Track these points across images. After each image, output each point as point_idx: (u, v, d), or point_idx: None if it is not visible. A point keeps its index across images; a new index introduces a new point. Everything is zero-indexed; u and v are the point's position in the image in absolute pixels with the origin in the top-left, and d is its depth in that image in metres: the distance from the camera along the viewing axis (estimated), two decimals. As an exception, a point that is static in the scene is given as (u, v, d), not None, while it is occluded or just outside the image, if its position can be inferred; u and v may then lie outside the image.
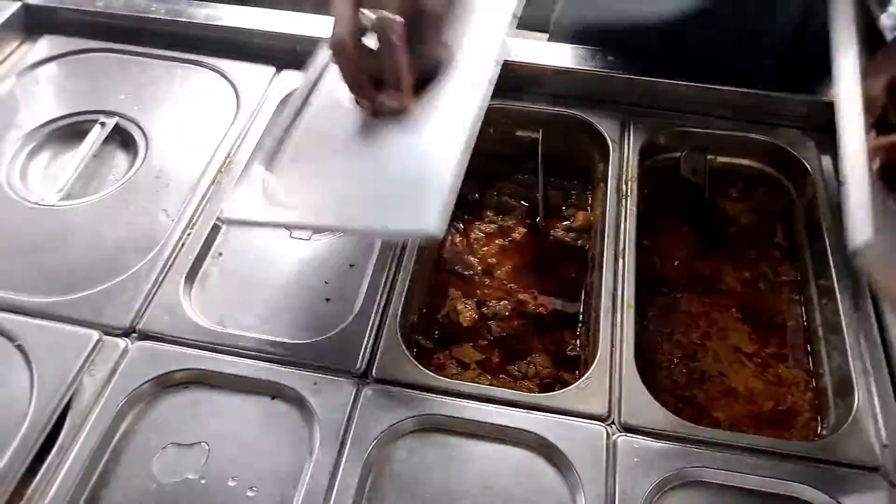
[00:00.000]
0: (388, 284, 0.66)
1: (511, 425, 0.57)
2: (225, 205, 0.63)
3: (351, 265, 0.68)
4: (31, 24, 0.91)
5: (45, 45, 0.88)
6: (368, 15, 0.54)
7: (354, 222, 0.57)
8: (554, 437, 0.56)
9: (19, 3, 0.90)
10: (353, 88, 0.59)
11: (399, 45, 0.55)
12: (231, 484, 0.54)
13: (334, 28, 0.57)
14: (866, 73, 0.58)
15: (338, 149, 0.60)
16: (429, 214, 0.51)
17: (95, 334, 0.61)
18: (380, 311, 0.64)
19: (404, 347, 0.62)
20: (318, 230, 0.69)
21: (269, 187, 0.59)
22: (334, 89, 0.63)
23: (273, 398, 0.59)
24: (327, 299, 0.66)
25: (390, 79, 0.57)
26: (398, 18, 0.54)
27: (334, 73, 0.60)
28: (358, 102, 0.60)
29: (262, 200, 0.59)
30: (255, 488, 0.54)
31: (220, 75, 0.85)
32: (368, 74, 0.58)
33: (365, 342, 0.62)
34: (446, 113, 0.58)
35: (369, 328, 0.63)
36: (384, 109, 0.58)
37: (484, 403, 0.58)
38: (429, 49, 0.59)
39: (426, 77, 0.60)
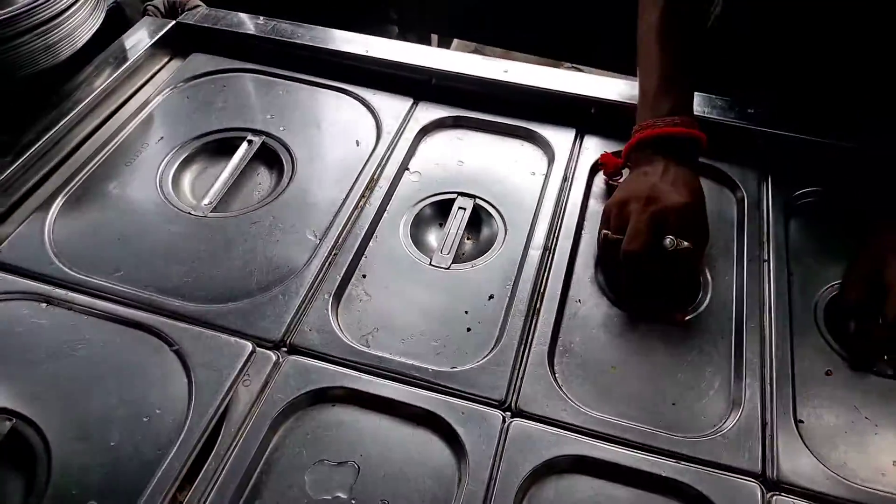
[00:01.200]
0: (531, 318, 0.67)
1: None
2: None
3: (490, 297, 0.69)
4: (183, 42, 0.96)
5: (194, 63, 0.93)
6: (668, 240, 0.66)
7: None
8: (705, 489, 0.56)
9: (173, 22, 0.95)
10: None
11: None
12: (382, 508, 0.55)
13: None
14: None
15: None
16: None
17: (249, 345, 0.63)
18: (524, 344, 0.65)
19: (552, 380, 0.62)
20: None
21: None
22: None
23: (419, 424, 0.60)
24: (468, 329, 0.67)
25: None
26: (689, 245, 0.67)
27: None
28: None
29: None
30: (405, 516, 0.55)
31: (362, 103, 0.88)
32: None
33: (510, 374, 0.62)
34: None
35: (514, 360, 0.63)
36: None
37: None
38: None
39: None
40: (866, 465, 0.58)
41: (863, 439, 0.60)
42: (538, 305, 0.68)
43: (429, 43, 1.83)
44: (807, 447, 0.59)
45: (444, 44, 1.85)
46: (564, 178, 0.79)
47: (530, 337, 0.65)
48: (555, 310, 0.67)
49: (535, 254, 0.72)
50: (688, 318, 0.68)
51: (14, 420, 0.58)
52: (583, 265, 0.72)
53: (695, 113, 0.77)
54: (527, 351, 0.64)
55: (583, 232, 0.75)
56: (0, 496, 0.55)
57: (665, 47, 0.76)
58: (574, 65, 1.65)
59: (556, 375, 0.63)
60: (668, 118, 0.72)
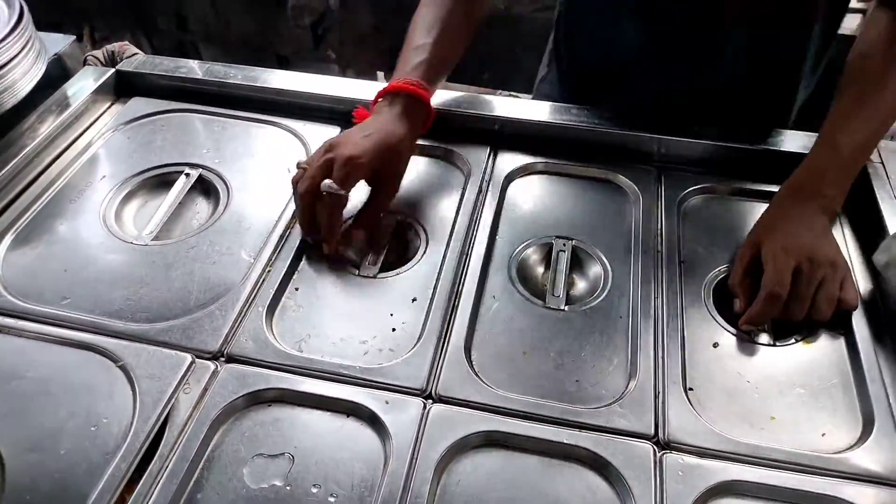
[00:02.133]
0: (450, 315, 0.73)
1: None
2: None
3: (413, 299, 0.76)
4: (123, 88, 1.02)
5: (134, 106, 0.99)
6: (325, 182, 0.77)
7: None
8: (603, 452, 0.62)
9: (112, 70, 1.01)
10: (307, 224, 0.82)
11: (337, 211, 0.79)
12: (314, 490, 0.60)
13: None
14: None
15: None
16: None
17: (189, 357, 0.68)
18: (443, 338, 0.71)
19: (468, 368, 0.68)
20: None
21: None
22: None
23: (348, 415, 0.66)
24: (393, 329, 0.73)
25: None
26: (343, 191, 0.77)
27: None
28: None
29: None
30: (335, 495, 0.60)
31: (292, 133, 0.95)
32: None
33: (430, 365, 0.68)
34: None
35: (434, 353, 0.70)
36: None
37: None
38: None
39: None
40: (747, 423, 0.66)
41: (745, 401, 0.68)
42: (456, 303, 0.75)
43: (374, 78, 1.92)
44: (695, 411, 0.66)
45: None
46: (479, 191, 0.87)
47: (449, 331, 0.72)
48: (470, 307, 0.74)
49: (453, 259, 0.79)
50: (584, 308, 0.75)
51: (-32, 439, 0.62)
52: (497, 265, 0.79)
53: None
54: (446, 343, 0.71)
55: (497, 236, 0.83)
56: (-43, 508, 0.59)
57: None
58: (501, 91, 1.76)
59: (473, 363, 0.70)
60: (405, 77, 0.84)
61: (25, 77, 0.94)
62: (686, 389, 0.68)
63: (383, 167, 0.79)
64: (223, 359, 0.70)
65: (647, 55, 0.96)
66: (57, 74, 1.01)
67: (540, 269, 0.81)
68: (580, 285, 0.79)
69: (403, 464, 0.61)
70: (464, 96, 0.98)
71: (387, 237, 0.83)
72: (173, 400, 0.65)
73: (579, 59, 1.05)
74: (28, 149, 0.89)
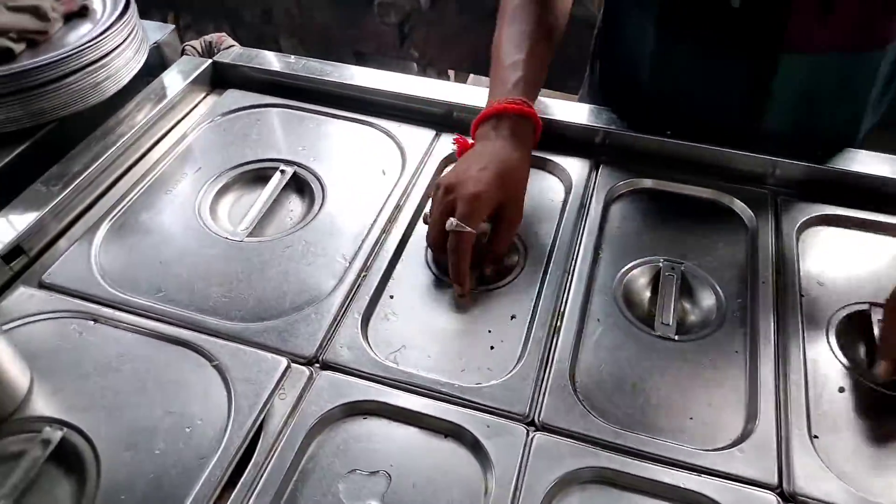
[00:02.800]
0: (552, 337, 0.70)
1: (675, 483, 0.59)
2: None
3: (512, 317, 0.72)
4: (218, 79, 1.02)
5: (229, 98, 0.98)
6: (449, 221, 0.72)
7: None
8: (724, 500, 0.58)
9: (209, 61, 1.01)
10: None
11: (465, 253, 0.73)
12: (411, 514, 0.57)
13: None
14: None
15: None
16: None
17: (284, 361, 0.66)
18: (545, 361, 0.68)
19: (573, 396, 0.64)
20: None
21: None
22: None
23: (447, 436, 0.63)
24: (491, 347, 0.70)
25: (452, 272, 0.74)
26: (471, 230, 0.72)
27: None
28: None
29: None
30: (433, 522, 0.57)
31: (387, 135, 0.93)
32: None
33: (533, 390, 0.65)
34: None
35: (535, 376, 0.66)
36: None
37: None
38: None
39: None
40: (880, 477, 0.60)
41: (876, 453, 0.62)
42: (558, 324, 0.71)
43: (447, 78, 1.90)
44: (822, 461, 0.60)
45: (461, 79, 1.93)
46: (581, 206, 0.83)
47: (551, 353, 0.68)
48: (574, 330, 0.70)
49: (554, 276, 0.75)
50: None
51: (64, 429, 0.61)
52: (601, 286, 0.75)
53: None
54: (548, 367, 0.67)
55: (601, 255, 0.79)
56: (52, 502, 0.58)
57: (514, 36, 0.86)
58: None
59: (578, 391, 0.66)
60: (506, 98, 0.80)
61: (128, 66, 0.94)
62: (811, 437, 0.63)
63: (506, 198, 0.74)
64: (318, 365, 0.67)
65: (691, 80, 0.90)
66: (155, 63, 1.01)
67: (647, 294, 0.76)
68: (691, 313, 0.75)
69: (507, 494, 0.58)
70: (562, 104, 0.94)
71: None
72: (268, 406, 0.63)
73: (617, 80, 1.00)
74: (126, 137, 0.89)
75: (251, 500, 0.57)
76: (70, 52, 0.86)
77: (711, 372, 0.68)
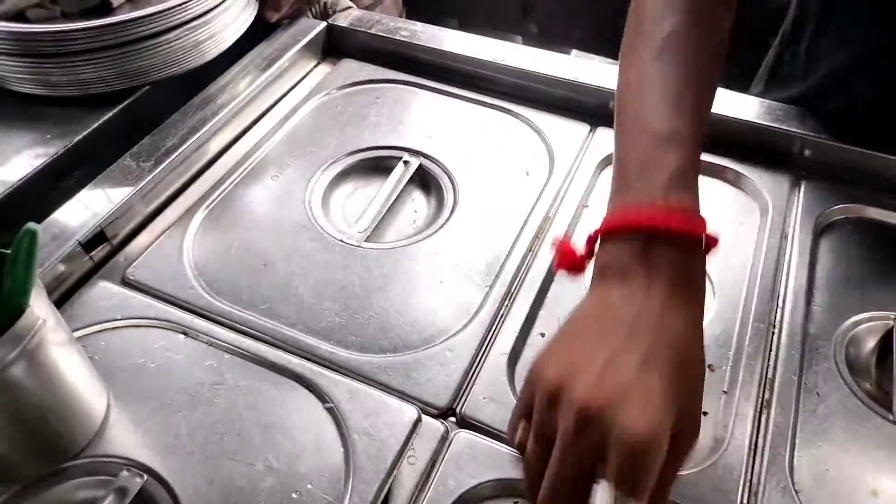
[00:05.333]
0: (760, 408, 0.53)
1: None
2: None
3: (710, 366, 0.56)
4: (333, 46, 0.88)
5: (345, 69, 0.84)
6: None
7: None
8: None
9: (324, 24, 0.87)
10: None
11: None
12: None
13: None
14: None
15: None
16: None
17: (414, 411, 0.52)
18: (755, 438, 0.51)
19: (795, 498, 0.48)
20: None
21: None
22: None
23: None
24: (706, 413, 0.54)
25: None
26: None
27: None
28: None
29: None
30: None
31: (531, 128, 0.77)
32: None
33: (743, 478, 0.49)
34: None
35: (746, 458, 0.50)
36: None
37: None
38: None
39: None
40: None
41: None
42: (768, 396, 0.54)
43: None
44: None
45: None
46: (783, 235, 0.66)
47: (763, 432, 0.52)
48: (792, 405, 0.54)
49: (758, 327, 0.59)
50: None
51: (146, 477, 0.49)
52: (815, 346, 0.58)
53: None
54: (761, 447, 0.51)
55: (812, 304, 0.61)
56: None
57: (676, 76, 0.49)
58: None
59: (797, 489, 0.50)
60: (664, 199, 0.43)
61: (232, 25, 0.81)
62: None
63: (682, 413, 0.39)
64: (454, 420, 0.53)
65: None
66: (263, 25, 0.88)
67: (874, 360, 0.59)
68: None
69: None
70: (740, 99, 0.76)
71: None
72: (395, 472, 0.50)
73: (823, 78, 0.77)
74: (227, 108, 0.76)
75: None
76: (172, 5, 0.74)
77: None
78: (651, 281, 0.41)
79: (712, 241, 0.43)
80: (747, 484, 0.49)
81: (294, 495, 0.48)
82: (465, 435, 0.52)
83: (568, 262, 0.48)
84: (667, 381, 0.38)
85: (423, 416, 0.53)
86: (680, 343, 0.40)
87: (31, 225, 0.41)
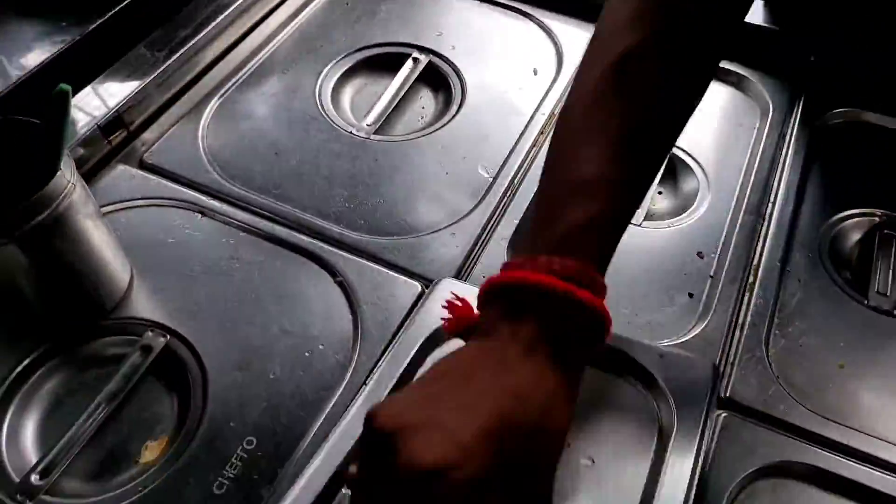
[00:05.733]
0: (742, 291, 0.57)
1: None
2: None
3: (699, 254, 0.60)
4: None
5: (354, -33, 0.85)
6: None
7: None
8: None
9: (333, -80, 0.87)
10: None
11: None
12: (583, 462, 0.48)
13: None
14: None
15: None
16: None
17: (418, 286, 0.56)
18: (734, 321, 0.55)
19: (768, 372, 0.52)
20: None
21: None
22: None
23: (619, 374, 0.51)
24: (691, 294, 0.57)
25: None
26: None
27: None
28: None
29: None
30: (591, 460, 0.47)
31: (543, 30, 0.77)
32: None
33: (720, 356, 0.53)
34: None
35: (724, 339, 0.54)
36: None
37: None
38: None
39: None
40: None
41: None
42: (751, 280, 0.58)
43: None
44: None
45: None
46: (781, 136, 0.68)
47: (743, 315, 0.56)
48: (773, 290, 0.57)
49: (747, 219, 0.61)
50: None
51: (167, 336, 0.53)
52: (804, 239, 0.61)
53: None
54: (739, 330, 0.55)
55: (804, 200, 0.64)
56: (154, 417, 0.51)
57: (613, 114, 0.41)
58: None
59: (772, 364, 0.54)
60: (546, 259, 0.38)
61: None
62: None
63: (512, 473, 0.35)
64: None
65: None
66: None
67: (856, 252, 0.62)
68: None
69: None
70: (758, 6, 0.76)
71: None
72: (400, 336, 0.54)
73: None
74: (238, 1, 0.77)
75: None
76: None
77: (943, 361, 0.54)
78: (510, 339, 0.37)
79: (607, 322, 0.38)
80: (725, 354, 0.53)
81: (307, 354, 0.52)
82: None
83: (457, 319, 0.43)
84: (488, 426, 0.34)
85: (426, 290, 0.56)
86: (514, 397, 0.35)
87: (63, 85, 0.43)
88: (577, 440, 0.47)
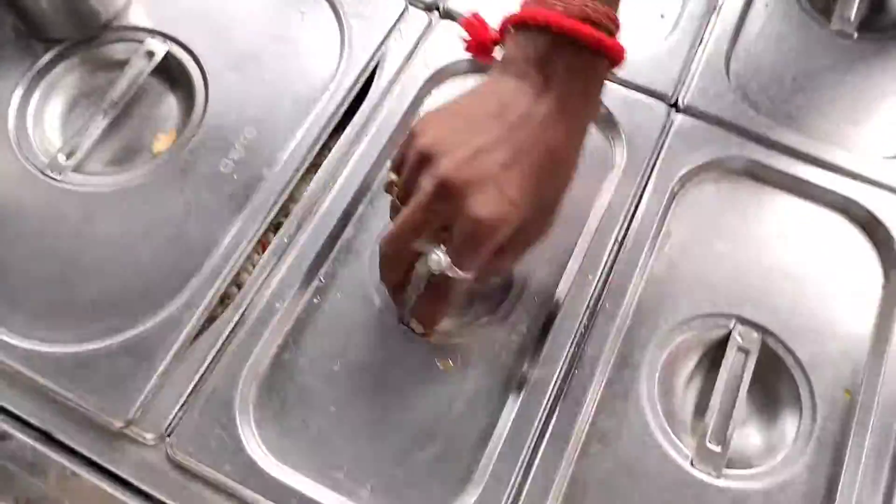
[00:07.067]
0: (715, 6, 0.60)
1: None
2: None
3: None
4: None
5: None
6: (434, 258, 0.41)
7: None
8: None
9: None
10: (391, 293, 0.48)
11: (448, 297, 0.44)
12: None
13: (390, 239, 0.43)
14: None
15: None
16: None
17: (402, 1, 0.59)
18: (702, 36, 0.59)
19: (726, 81, 0.57)
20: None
21: None
22: None
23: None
24: (662, 15, 0.60)
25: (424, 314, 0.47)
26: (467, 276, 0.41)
27: None
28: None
29: None
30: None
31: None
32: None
33: (681, 69, 0.57)
34: None
35: (686, 55, 0.57)
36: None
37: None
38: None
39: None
40: None
41: None
42: (720, 1, 0.60)
43: None
44: None
45: None
46: None
47: (707, 34, 0.59)
48: (738, 10, 0.60)
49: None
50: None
51: (169, 43, 0.57)
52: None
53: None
54: (702, 48, 0.58)
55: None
56: (162, 114, 0.56)
57: None
58: None
59: (731, 77, 0.58)
60: (582, 2, 0.40)
61: None
62: None
63: (535, 215, 0.42)
64: (438, 13, 0.60)
65: None
66: None
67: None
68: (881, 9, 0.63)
69: (636, 172, 0.52)
70: None
71: None
72: (384, 45, 0.57)
73: None
74: None
75: (363, 143, 0.54)
76: None
77: (890, 80, 0.58)
78: (546, 86, 0.40)
79: (619, 55, 0.41)
80: (688, 66, 0.57)
81: (297, 59, 0.56)
82: (446, 23, 0.59)
83: (476, 42, 0.45)
84: (527, 182, 0.40)
85: (411, 7, 0.59)
86: (553, 150, 0.41)
87: None
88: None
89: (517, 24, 0.42)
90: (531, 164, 0.40)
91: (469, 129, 0.41)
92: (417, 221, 0.41)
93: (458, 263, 0.41)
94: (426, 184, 0.40)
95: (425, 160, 0.40)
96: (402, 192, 0.43)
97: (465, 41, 0.46)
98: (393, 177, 0.44)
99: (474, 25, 0.45)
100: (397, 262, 0.44)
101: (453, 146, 0.40)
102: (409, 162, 0.41)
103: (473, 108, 0.42)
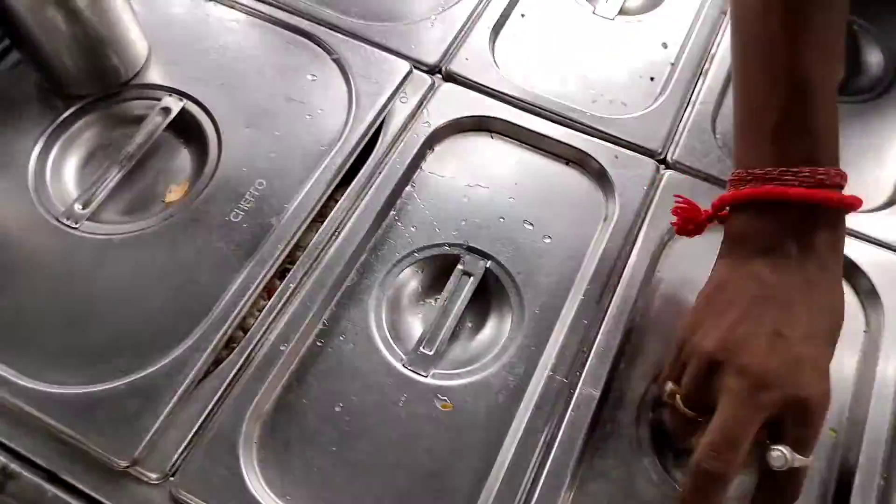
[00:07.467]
0: (701, 71, 0.64)
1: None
2: None
3: (664, 45, 0.66)
4: None
5: None
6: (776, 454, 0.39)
7: None
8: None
9: None
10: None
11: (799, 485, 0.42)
12: (528, 227, 0.56)
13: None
14: None
15: None
16: None
17: (407, 65, 0.62)
18: (690, 98, 0.62)
19: (713, 137, 0.60)
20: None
21: None
22: None
23: (569, 162, 0.60)
24: (652, 78, 0.64)
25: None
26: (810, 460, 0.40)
27: None
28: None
29: None
30: (548, 236, 0.56)
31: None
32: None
33: (670, 128, 0.60)
34: None
35: (675, 115, 0.61)
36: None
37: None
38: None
39: None
40: None
41: None
42: (706, 67, 0.64)
43: None
44: None
45: None
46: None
47: (695, 95, 0.62)
48: (724, 74, 0.63)
49: (710, 14, 0.67)
50: None
51: (184, 100, 0.60)
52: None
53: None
54: (690, 108, 0.61)
55: None
56: (175, 166, 0.59)
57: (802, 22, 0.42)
58: None
59: (718, 136, 0.60)
60: (804, 169, 0.41)
61: None
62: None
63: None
64: (440, 75, 0.63)
65: None
66: None
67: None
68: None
69: (628, 222, 0.55)
70: None
71: None
72: (390, 106, 0.60)
73: None
74: None
75: (368, 195, 0.56)
76: None
77: (870, 141, 0.61)
78: (804, 256, 0.41)
79: (859, 205, 0.42)
80: (676, 126, 0.60)
81: (308, 117, 0.60)
82: (448, 86, 0.62)
83: (688, 221, 0.49)
84: (826, 350, 0.41)
85: (416, 71, 0.63)
86: (831, 312, 0.42)
87: None
88: (538, 223, 0.56)
89: (745, 203, 0.43)
90: (822, 332, 0.41)
91: (749, 319, 0.41)
92: (742, 421, 0.39)
93: (801, 449, 0.39)
94: (735, 383, 0.39)
95: (717, 364, 0.40)
96: (692, 400, 0.42)
97: (674, 224, 0.51)
98: (671, 386, 0.44)
99: (685, 208, 0.50)
100: (726, 477, 0.39)
101: (745, 341, 0.40)
102: (695, 373, 0.41)
103: (738, 298, 0.42)
